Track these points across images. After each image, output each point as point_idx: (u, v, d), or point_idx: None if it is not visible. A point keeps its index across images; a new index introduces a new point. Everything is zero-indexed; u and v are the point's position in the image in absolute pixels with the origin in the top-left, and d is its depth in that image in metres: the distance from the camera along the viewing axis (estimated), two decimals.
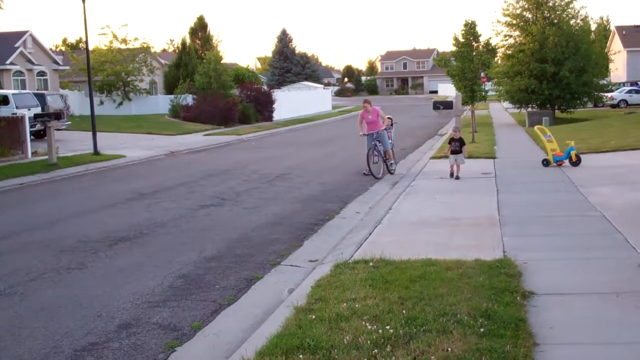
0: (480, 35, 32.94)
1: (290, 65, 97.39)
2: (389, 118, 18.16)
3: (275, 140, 31.81)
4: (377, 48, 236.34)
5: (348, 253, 8.70)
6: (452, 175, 14.85)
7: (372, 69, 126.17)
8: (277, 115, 44.48)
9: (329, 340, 5.41)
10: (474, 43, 33.14)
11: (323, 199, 13.91)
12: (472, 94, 31.85)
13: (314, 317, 6.02)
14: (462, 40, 32.45)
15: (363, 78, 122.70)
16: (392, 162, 17.27)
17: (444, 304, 6.13)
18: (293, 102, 51.50)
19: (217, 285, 7.94)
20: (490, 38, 34.19)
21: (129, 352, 5.91)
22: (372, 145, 16.68)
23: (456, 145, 14.89)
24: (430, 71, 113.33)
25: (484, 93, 32.95)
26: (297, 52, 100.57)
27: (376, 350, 5.18)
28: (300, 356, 5.16)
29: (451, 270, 7.29)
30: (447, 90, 76.44)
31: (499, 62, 37.31)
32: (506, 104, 44.08)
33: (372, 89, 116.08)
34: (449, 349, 5.14)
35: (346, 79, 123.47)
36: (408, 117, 45.75)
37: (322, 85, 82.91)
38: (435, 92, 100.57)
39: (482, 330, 5.48)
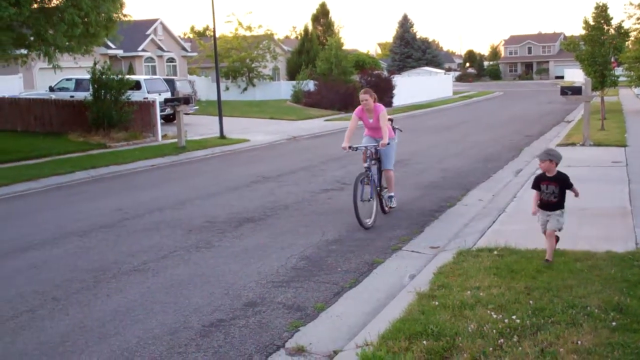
0: (611, 18, 31.32)
1: (410, 50, 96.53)
2: (389, 120, 11.37)
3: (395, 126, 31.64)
4: (500, 32, 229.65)
5: (471, 241, 8.57)
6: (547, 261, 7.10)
7: (495, 53, 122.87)
8: (396, 101, 44.23)
9: (452, 328, 5.37)
10: (605, 26, 31.57)
11: (444, 185, 13.75)
12: (602, 79, 30.35)
13: (437, 303, 5.99)
14: (592, 23, 31.00)
15: (485, 63, 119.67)
16: (392, 194, 11.17)
17: (573, 296, 5.94)
18: (413, 87, 50.98)
19: (339, 268, 8.04)
20: (622, 21, 32.42)
21: (255, 330, 6.09)
22: (367, 167, 10.52)
23: (552, 192, 7.33)
24: (556, 56, 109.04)
25: (614, 78, 31.37)
26: (417, 37, 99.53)
27: (502, 340, 5.09)
28: (424, 342, 5.14)
29: (580, 262, 7.05)
30: (574, 75, 73.30)
31: (630, 46, 35.39)
32: (637, 90, 41.83)
33: (495, 74, 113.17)
34: (579, 342, 4.98)
35: (467, 64, 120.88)
36: (534, 103, 44.40)
37: (442, 71, 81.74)
38: (562, 77, 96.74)
39: (614, 324, 5.28)
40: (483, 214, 10.62)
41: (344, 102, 39.38)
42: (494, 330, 5.27)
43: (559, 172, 7.41)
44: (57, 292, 7.40)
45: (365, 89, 10.97)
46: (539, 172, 7.63)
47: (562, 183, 7.33)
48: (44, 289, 7.52)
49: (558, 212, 7.30)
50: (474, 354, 4.91)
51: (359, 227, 9.95)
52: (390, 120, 11.64)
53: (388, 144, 10.41)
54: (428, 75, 68.22)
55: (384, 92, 43.29)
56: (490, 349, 4.97)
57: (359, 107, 10.83)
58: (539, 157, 7.59)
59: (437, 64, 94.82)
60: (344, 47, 47.76)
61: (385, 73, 48.73)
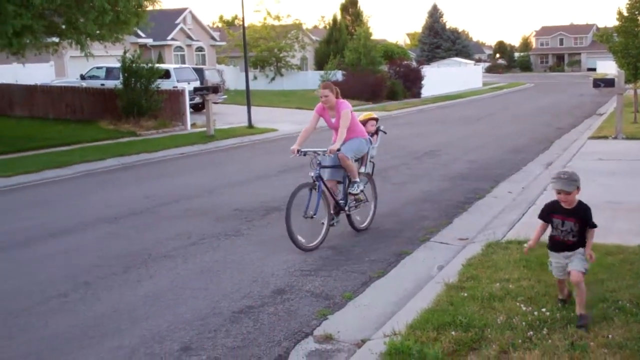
0: None
1: (440, 41, 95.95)
2: (374, 119, 10.20)
3: (424, 117, 31.51)
4: (531, 23, 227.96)
5: (500, 233, 8.51)
6: (564, 301, 5.64)
7: (525, 44, 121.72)
8: (425, 92, 44.02)
9: (481, 319, 5.34)
10: (639, 18, 31.05)
11: (472, 177, 13.66)
12: (635, 71, 29.88)
13: (465, 295, 5.96)
14: (626, 14, 30.48)
15: (516, 54, 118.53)
16: (356, 179, 9.11)
17: (604, 290, 5.88)
18: (442, 78, 50.68)
19: (367, 258, 8.04)
20: None
21: (283, 317, 6.13)
22: (315, 176, 8.58)
23: (569, 231, 5.38)
24: (588, 47, 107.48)
25: None
26: (447, 27, 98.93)
27: (531, 332, 5.06)
28: (452, 333, 5.13)
29: (612, 256, 6.97)
30: (607, 67, 72.29)
31: None
32: None
33: (525, 66, 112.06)
34: (609, 336, 4.93)
35: (498, 55, 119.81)
36: (565, 95, 43.88)
37: (472, 62, 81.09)
38: (594, 69, 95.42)
39: None
40: (512, 206, 10.53)
41: (372, 93, 39.24)
42: (523, 323, 5.23)
43: (580, 203, 5.40)
44: (88, 277, 7.50)
45: (325, 82, 9.43)
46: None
47: (584, 217, 5.35)
48: (75, 273, 7.63)
49: (581, 249, 5.39)
50: (503, 345, 4.89)
51: (388, 217, 9.95)
52: (375, 119, 10.27)
53: (339, 150, 8.60)
54: (457, 66, 67.80)
55: (413, 83, 43.17)
56: (520, 341, 4.94)
57: (319, 104, 9.09)
58: (558, 187, 5.34)
59: (467, 55, 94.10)
60: (373, 37, 47.60)
61: (414, 63, 48.43)
